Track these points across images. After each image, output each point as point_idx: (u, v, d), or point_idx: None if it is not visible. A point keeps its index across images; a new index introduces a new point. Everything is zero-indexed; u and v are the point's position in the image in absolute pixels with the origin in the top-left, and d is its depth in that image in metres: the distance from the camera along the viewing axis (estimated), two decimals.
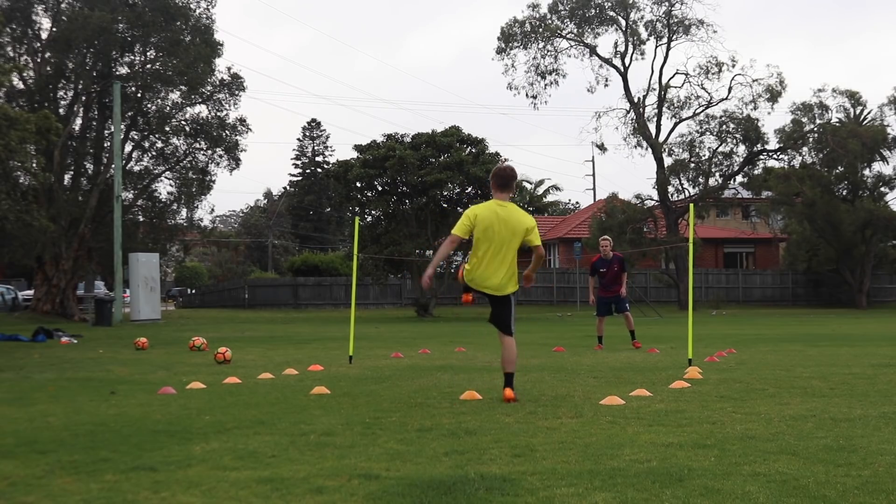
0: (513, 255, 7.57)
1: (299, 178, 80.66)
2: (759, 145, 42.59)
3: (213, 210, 63.91)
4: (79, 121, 33.61)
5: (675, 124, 43.42)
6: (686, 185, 43.58)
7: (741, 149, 42.77)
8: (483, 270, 7.49)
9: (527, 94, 43.06)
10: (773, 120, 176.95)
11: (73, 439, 5.80)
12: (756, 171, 43.81)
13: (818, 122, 43.04)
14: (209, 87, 33.91)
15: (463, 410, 6.99)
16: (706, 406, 7.13)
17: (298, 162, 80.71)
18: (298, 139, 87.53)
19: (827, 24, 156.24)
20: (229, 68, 39.52)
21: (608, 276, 14.43)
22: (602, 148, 45.30)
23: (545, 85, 42.82)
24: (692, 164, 42.88)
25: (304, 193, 79.24)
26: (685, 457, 5.03)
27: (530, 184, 69.45)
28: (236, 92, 34.62)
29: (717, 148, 42.63)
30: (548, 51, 42.50)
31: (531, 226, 7.52)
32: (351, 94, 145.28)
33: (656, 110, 43.25)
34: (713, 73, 42.08)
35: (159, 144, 34.94)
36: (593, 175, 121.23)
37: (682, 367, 10.40)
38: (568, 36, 42.68)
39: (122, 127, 31.43)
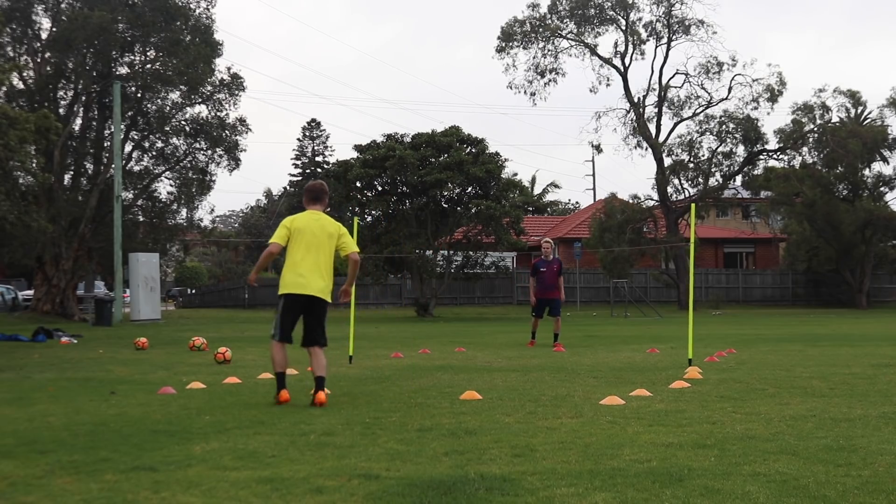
0: (329, 260, 7.77)
1: (299, 178, 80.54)
2: (759, 145, 42.57)
3: (213, 210, 63.52)
4: (79, 121, 33.55)
5: (675, 124, 43.41)
6: (686, 185, 43.62)
7: (741, 149, 42.79)
8: (303, 273, 7.65)
9: (525, 92, 43.17)
10: (773, 120, 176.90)
11: (73, 439, 5.80)
12: (756, 171, 43.79)
13: (818, 122, 43.02)
14: (209, 87, 33.85)
15: (463, 410, 6.99)
16: (706, 406, 7.13)
17: (298, 162, 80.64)
18: (298, 139, 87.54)
19: None
20: (229, 68, 39.45)
21: (548, 277, 15.14)
22: (598, 149, 45.24)
23: (545, 83, 42.89)
24: (692, 165, 42.86)
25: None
26: (685, 457, 5.03)
27: (528, 183, 69.56)
28: (236, 92, 34.55)
29: (717, 148, 42.61)
30: (548, 50, 42.52)
31: (343, 230, 7.83)
32: (351, 94, 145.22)
33: (656, 110, 43.23)
34: (713, 73, 42.08)
35: (159, 144, 34.89)
36: (593, 175, 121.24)
37: (682, 367, 10.41)
38: (568, 36, 42.66)
39: (122, 127, 31.39)
